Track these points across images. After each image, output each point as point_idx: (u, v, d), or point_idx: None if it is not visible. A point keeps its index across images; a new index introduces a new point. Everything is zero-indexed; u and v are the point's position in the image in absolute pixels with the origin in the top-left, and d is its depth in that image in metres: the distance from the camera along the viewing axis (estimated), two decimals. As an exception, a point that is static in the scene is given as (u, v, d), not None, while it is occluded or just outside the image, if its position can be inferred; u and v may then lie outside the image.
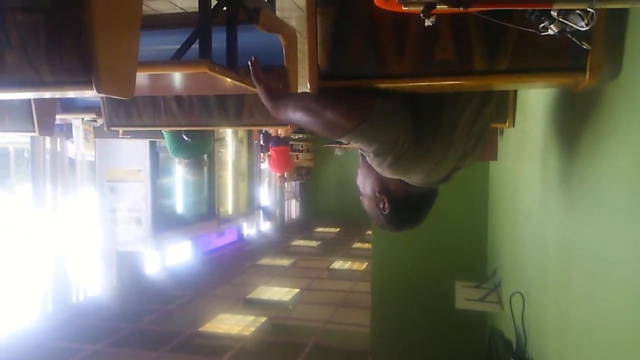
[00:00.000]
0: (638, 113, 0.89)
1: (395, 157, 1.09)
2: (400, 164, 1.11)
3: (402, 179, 1.20)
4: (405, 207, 1.26)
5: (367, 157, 1.16)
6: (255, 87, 1.27)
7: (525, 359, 1.89)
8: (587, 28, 0.73)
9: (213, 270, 8.00)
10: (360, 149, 1.15)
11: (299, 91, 1.40)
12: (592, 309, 1.12)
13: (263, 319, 5.70)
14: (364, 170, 1.29)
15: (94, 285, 6.38)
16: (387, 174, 1.17)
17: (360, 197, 1.33)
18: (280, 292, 6.75)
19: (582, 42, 0.85)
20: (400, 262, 4.25)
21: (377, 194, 1.25)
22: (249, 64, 1.26)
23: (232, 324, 5.64)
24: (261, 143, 8.93)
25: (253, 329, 5.45)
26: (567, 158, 1.40)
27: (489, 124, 1.26)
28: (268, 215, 11.46)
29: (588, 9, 0.71)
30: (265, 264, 8.55)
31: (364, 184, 1.29)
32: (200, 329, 5.45)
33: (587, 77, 0.95)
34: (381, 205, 1.26)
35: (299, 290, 6.82)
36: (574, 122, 1.35)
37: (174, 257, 7.94)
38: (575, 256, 1.29)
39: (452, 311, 2.99)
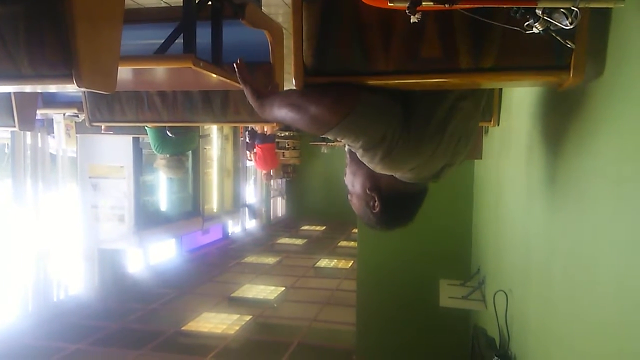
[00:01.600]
0: (621, 111, 0.90)
1: (386, 151, 1.08)
2: (392, 157, 1.09)
3: (394, 174, 1.19)
4: (396, 204, 1.25)
5: (357, 153, 1.15)
6: (240, 84, 1.25)
7: (508, 356, 1.91)
8: (571, 27, 0.73)
9: (197, 268, 7.96)
10: (349, 145, 1.14)
11: (285, 88, 1.39)
12: (574, 306, 1.13)
13: (248, 318, 5.68)
14: (352, 168, 1.26)
15: (75, 283, 6.29)
16: (379, 169, 1.15)
17: (349, 197, 1.31)
18: (265, 291, 6.74)
19: (567, 41, 0.86)
20: (385, 260, 4.27)
21: (367, 191, 1.23)
22: (235, 65, 1.24)
23: (217, 322, 5.61)
24: (247, 140, 8.88)
25: (237, 328, 5.43)
26: (550, 156, 1.41)
27: (478, 121, 1.26)
28: (253, 213, 11.41)
29: (572, 8, 0.71)
30: (250, 262, 8.52)
31: (353, 182, 1.27)
32: (183, 328, 5.41)
33: (571, 75, 0.95)
34: (371, 203, 1.24)
35: (284, 288, 6.81)
36: (558, 121, 1.36)
37: (157, 255, 7.87)
38: (557, 254, 1.30)
39: (436, 309, 3.01)
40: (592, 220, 1.03)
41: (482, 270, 3.09)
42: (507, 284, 2.04)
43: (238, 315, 5.75)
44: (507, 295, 1.98)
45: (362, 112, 1.04)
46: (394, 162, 1.12)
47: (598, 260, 0.98)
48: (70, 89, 1.14)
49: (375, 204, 1.24)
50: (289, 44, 1.23)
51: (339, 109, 1.04)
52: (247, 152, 9.18)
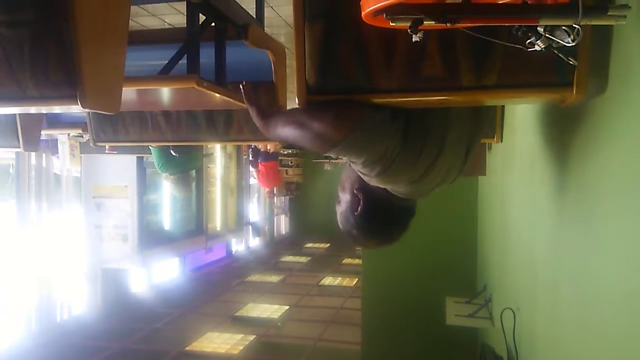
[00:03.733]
0: (625, 127, 0.90)
1: (385, 166, 1.08)
2: (390, 172, 1.09)
3: (387, 187, 1.18)
4: (378, 212, 1.22)
5: (354, 167, 1.15)
6: (243, 104, 1.27)
7: (516, 375, 1.88)
8: (574, 44, 0.73)
9: (201, 287, 7.90)
10: (350, 162, 1.14)
11: (288, 107, 1.40)
12: (583, 324, 1.11)
13: (252, 337, 5.62)
14: (348, 172, 1.26)
15: (78, 303, 6.25)
16: (374, 182, 1.15)
17: (337, 205, 1.28)
18: (269, 310, 6.68)
19: (569, 58, 0.86)
20: (390, 277, 4.23)
21: (354, 190, 1.22)
22: (241, 87, 1.26)
23: (220, 342, 5.55)
24: (250, 158, 8.90)
25: (241, 348, 5.36)
26: (555, 173, 1.41)
27: (479, 139, 1.26)
28: (257, 231, 11.38)
29: (574, 25, 0.71)
30: (254, 281, 8.46)
31: (344, 184, 1.26)
32: (187, 348, 5.35)
33: (574, 92, 0.95)
34: (355, 205, 1.22)
35: (288, 307, 6.75)
36: (562, 137, 1.36)
37: (161, 274, 7.83)
38: (565, 271, 1.28)
39: (443, 327, 2.97)
40: (599, 236, 1.02)
41: (489, 288, 3.05)
42: (515, 301, 2.02)
43: (242, 335, 5.69)
44: (514, 313, 1.95)
45: (366, 128, 1.04)
46: (390, 176, 1.11)
47: (607, 276, 0.97)
48: (75, 109, 1.14)
49: (359, 207, 1.21)
50: (291, 63, 1.24)
51: (344, 125, 1.03)
52: (251, 170, 9.20)
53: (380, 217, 1.23)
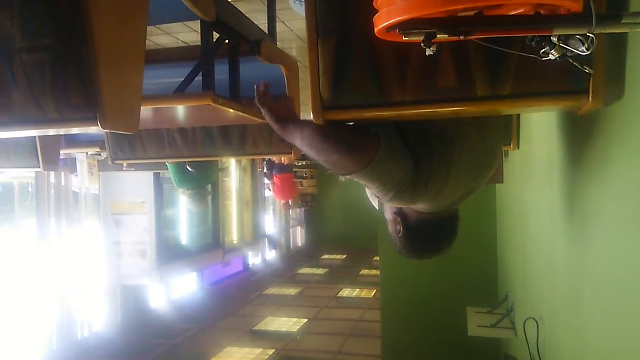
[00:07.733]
0: (644, 134, 0.89)
1: (398, 193, 1.12)
2: (402, 197, 1.14)
3: (409, 207, 1.21)
4: (419, 231, 1.26)
5: (369, 190, 1.19)
6: (257, 118, 1.28)
7: (541, 387, 1.84)
8: (588, 53, 0.73)
9: (219, 302, 7.91)
10: (365, 186, 1.17)
11: (303, 118, 1.42)
12: (608, 333, 1.09)
13: (271, 352, 5.60)
14: None
15: (99, 320, 6.30)
16: (391, 204, 1.20)
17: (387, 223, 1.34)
18: (288, 323, 6.65)
19: (584, 66, 0.85)
20: (409, 288, 4.19)
21: (393, 214, 1.27)
22: (256, 87, 1.27)
23: (240, 357, 5.54)
24: (265, 171, 8.94)
25: (261, 362, 5.35)
26: (574, 179, 1.39)
27: (496, 146, 1.25)
28: (274, 243, 11.38)
29: (588, 34, 0.71)
30: (272, 294, 8.44)
31: (386, 208, 1.31)
32: (207, 363, 5.36)
33: (591, 100, 0.94)
34: (398, 227, 1.27)
35: (307, 320, 6.71)
36: (580, 144, 1.34)
37: (179, 289, 7.86)
38: (587, 280, 1.26)
39: (465, 338, 2.93)
40: (622, 243, 1.00)
41: (511, 297, 3.01)
42: (537, 311, 1.98)
43: (261, 350, 5.67)
44: (537, 323, 1.92)
45: (381, 163, 1.08)
46: (403, 201, 1.16)
47: (631, 285, 0.95)
48: (95, 130, 1.17)
49: (400, 228, 1.25)
50: (304, 76, 1.26)
51: (360, 160, 1.08)
52: (267, 183, 9.23)
53: (423, 234, 1.26)
